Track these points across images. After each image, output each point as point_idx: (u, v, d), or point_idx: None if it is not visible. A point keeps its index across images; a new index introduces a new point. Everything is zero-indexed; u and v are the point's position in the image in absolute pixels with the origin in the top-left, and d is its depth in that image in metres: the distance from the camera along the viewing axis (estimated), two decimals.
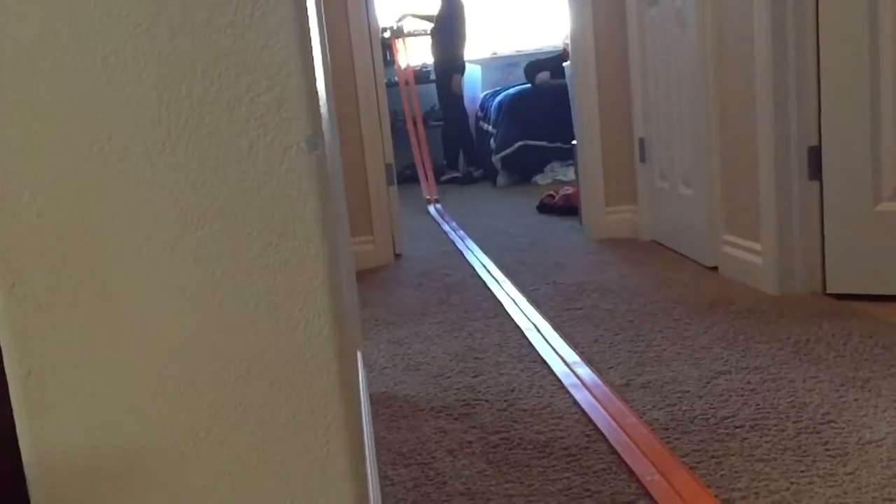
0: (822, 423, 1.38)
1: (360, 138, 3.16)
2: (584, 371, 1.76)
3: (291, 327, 0.82)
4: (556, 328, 2.11)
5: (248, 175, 0.79)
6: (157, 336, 0.80)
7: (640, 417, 1.48)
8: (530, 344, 2.00)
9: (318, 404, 0.84)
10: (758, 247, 2.30)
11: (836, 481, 1.18)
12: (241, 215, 0.80)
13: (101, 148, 0.77)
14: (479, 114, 6.60)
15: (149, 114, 0.77)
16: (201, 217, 0.79)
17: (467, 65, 6.54)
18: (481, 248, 3.40)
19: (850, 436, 1.33)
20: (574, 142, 3.60)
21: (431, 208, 4.89)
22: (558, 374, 1.76)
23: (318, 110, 0.80)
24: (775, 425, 1.39)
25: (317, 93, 0.79)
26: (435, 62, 6.48)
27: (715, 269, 2.59)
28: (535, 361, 1.87)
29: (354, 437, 0.86)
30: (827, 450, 1.29)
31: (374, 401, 1.69)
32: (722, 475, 1.24)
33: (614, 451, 1.35)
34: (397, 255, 3.37)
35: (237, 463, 0.83)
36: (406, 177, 5.85)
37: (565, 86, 4.13)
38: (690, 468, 1.27)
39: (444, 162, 6.59)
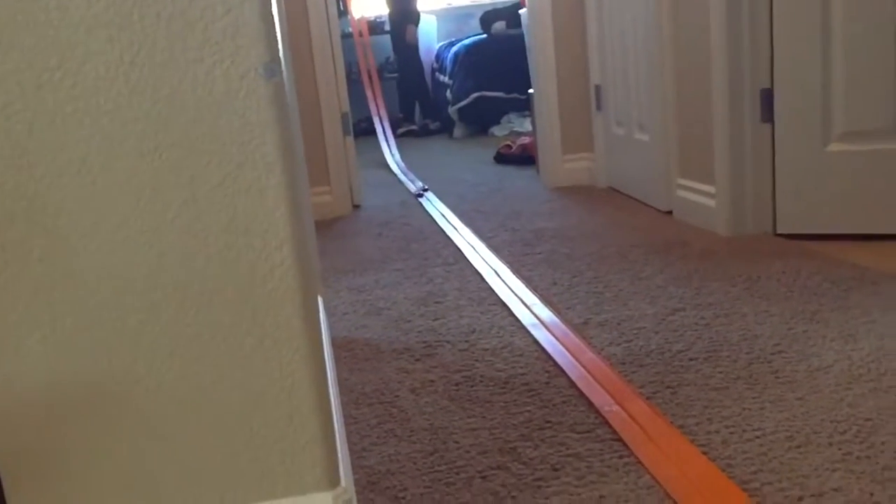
0: (772, 354, 1.43)
1: (315, 88, 3.11)
2: (544, 312, 1.78)
3: (253, 258, 0.82)
4: (516, 272, 2.13)
5: (204, 103, 0.78)
6: (116, 269, 0.79)
7: (599, 353, 1.51)
8: (490, 288, 2.02)
9: (281, 335, 0.84)
10: (711, 190, 2.34)
11: (785, 406, 1.23)
12: (199, 144, 0.79)
13: (52, 76, 0.75)
14: (435, 65, 6.55)
15: (99, 39, 0.75)
16: (157, 146, 0.78)
17: (422, 15, 6.46)
18: (440, 197, 3.40)
19: (800, 364, 1.37)
20: (531, 91, 3.59)
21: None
22: (518, 315, 1.79)
23: (275, 37, 0.79)
24: (728, 356, 1.44)
25: (272, 19, 0.78)
26: (389, 13, 6.39)
27: (670, 213, 2.63)
28: (494, 304, 1.89)
29: (319, 368, 0.87)
30: (777, 378, 1.33)
31: (336, 345, 1.70)
32: (677, 404, 1.28)
33: (573, 385, 1.38)
34: (355, 206, 3.36)
35: (201, 395, 0.84)
36: (362, 130, 5.79)
37: (521, 35, 4.10)
38: (647, 398, 1.30)
39: (401, 114, 6.54)
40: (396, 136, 5.78)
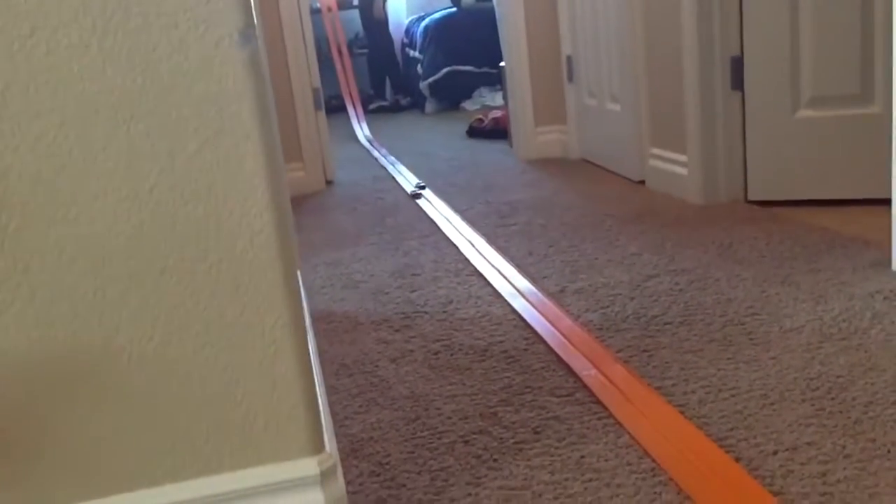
0: (746, 316, 1.45)
1: (286, 63, 3.08)
2: (520, 281, 1.80)
3: (233, 226, 0.82)
4: (491, 243, 2.14)
5: (180, 70, 0.77)
6: (94, 239, 0.79)
7: (576, 320, 1.53)
8: (466, 259, 2.03)
9: (262, 303, 0.84)
10: (683, 158, 2.36)
11: (759, 366, 1.25)
12: (175, 112, 0.78)
13: (24, 43, 0.74)
14: (405, 40, 6.50)
15: (72, 6, 0.74)
16: (133, 115, 0.77)
17: None
18: (413, 172, 3.39)
19: (773, 326, 1.40)
20: (502, 64, 3.58)
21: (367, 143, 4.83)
22: (495, 285, 1.80)
23: (249, 3, 0.78)
24: (702, 320, 1.46)
25: None
26: None
27: (642, 182, 2.65)
28: (471, 275, 1.90)
29: (300, 336, 0.87)
30: (751, 339, 1.36)
31: (315, 318, 1.70)
32: (654, 367, 1.30)
33: (552, 352, 1.40)
34: (328, 182, 3.34)
35: (184, 364, 0.84)
36: (333, 107, 5.74)
37: (492, 8, 4.08)
38: (624, 362, 1.32)
39: (371, 90, 6.49)
40: (367, 113, 5.75)
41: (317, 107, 3.19)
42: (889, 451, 0.98)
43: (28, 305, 0.78)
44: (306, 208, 2.91)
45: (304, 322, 0.89)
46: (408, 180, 3.21)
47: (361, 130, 4.96)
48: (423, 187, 2.97)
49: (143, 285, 0.81)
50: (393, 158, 3.84)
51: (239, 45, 0.78)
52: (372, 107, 6.22)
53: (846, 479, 0.93)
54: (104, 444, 0.83)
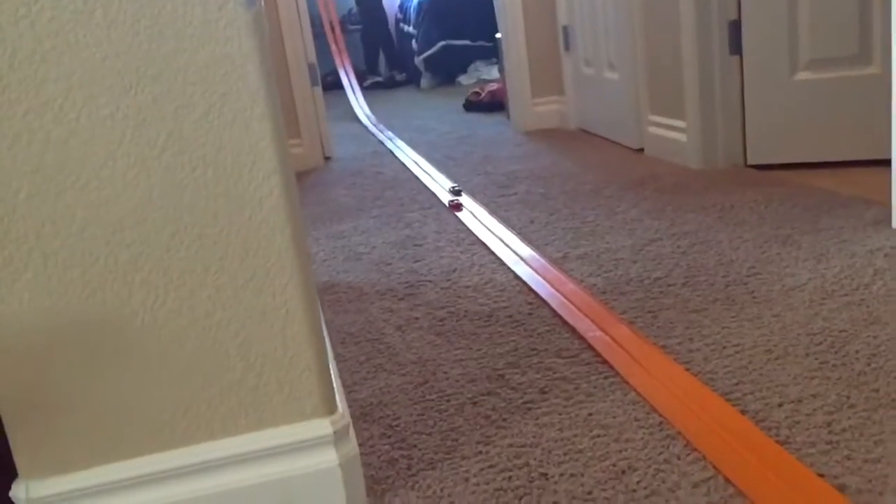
0: (748, 276, 1.46)
1: (281, 39, 3.07)
2: (523, 248, 1.81)
3: (242, 190, 0.82)
4: (492, 213, 2.14)
5: (185, 34, 0.78)
6: (105, 205, 0.79)
7: (579, 284, 1.54)
8: (468, 229, 2.04)
9: (273, 266, 0.85)
10: (682, 124, 2.36)
11: (763, 323, 1.27)
12: (182, 76, 0.79)
13: (29, 9, 0.74)
14: (399, 15, 6.46)
15: None
16: (140, 80, 0.78)
17: None
18: (411, 146, 3.39)
19: (775, 284, 1.41)
20: (498, 36, 3.57)
21: (362, 114, 4.82)
22: (497, 253, 1.81)
23: None
24: (705, 281, 1.47)
25: None
26: None
27: (641, 150, 2.66)
28: (473, 244, 1.91)
29: (311, 298, 0.88)
30: (754, 298, 1.37)
31: (319, 289, 1.71)
32: (658, 327, 1.31)
33: (557, 315, 1.41)
34: (327, 158, 3.34)
35: (196, 328, 0.84)
36: (328, 84, 5.72)
37: None
38: (629, 323, 1.33)
39: (365, 66, 6.46)
40: (363, 89, 5.72)
41: (313, 83, 3.18)
42: (893, 400, 0.99)
43: (41, 272, 0.79)
44: (306, 184, 2.91)
45: (313, 284, 0.89)
46: (406, 154, 3.21)
47: (360, 106, 4.95)
48: (459, 192, 2.38)
49: (154, 250, 0.81)
50: (391, 134, 3.83)
51: (243, 8, 0.78)
52: (367, 83, 6.19)
53: (851, 428, 0.95)
54: (120, 409, 0.84)
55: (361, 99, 5.17)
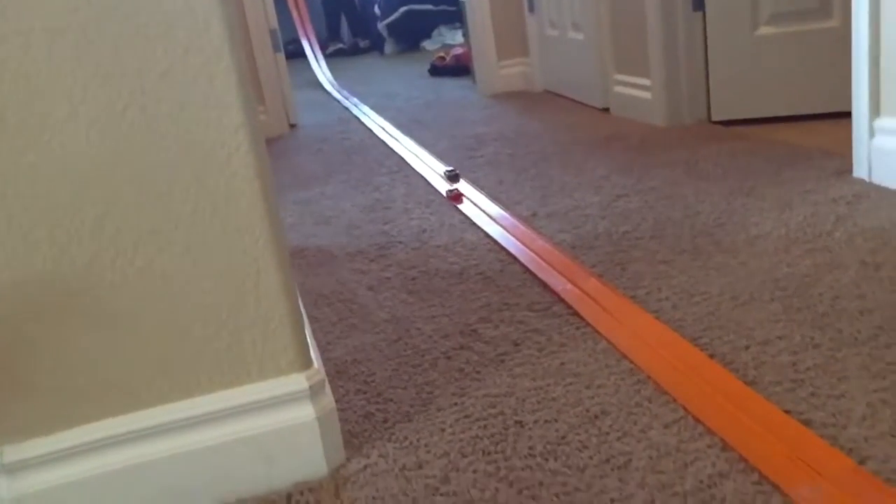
0: (714, 227, 1.49)
1: (241, 4, 3.02)
2: (492, 208, 1.81)
3: (209, 145, 0.81)
4: (461, 175, 2.14)
5: None
6: (69, 163, 0.78)
7: (549, 240, 1.55)
8: (437, 191, 2.04)
9: (244, 222, 0.85)
10: (646, 82, 2.37)
11: (729, 271, 1.29)
12: (144, 31, 0.77)
13: None
14: None
15: None
16: (100, 35, 0.76)
17: None
18: (377, 112, 3.37)
19: (740, 234, 1.43)
20: None
21: (326, 81, 4.76)
22: (467, 213, 1.81)
23: None
24: (672, 233, 1.49)
25: None
26: None
27: (607, 110, 2.67)
28: (443, 205, 1.91)
29: (282, 254, 0.88)
30: (720, 247, 1.39)
31: (289, 254, 1.70)
32: (628, 278, 1.33)
33: (528, 271, 1.42)
34: (292, 126, 3.31)
35: (168, 285, 0.84)
36: (290, 52, 5.64)
37: None
38: (599, 276, 1.35)
39: (327, 34, 6.38)
40: (326, 57, 5.65)
41: (275, 49, 3.13)
42: (856, 339, 1.02)
43: (6, 233, 0.78)
44: (272, 152, 2.88)
45: (284, 240, 0.89)
46: (373, 120, 3.19)
47: (322, 73, 4.89)
48: (456, 176, 2.02)
49: (121, 208, 0.80)
50: (356, 100, 3.80)
51: None
52: (330, 50, 6.12)
53: (815, 367, 0.97)
54: (94, 369, 0.84)
55: (325, 66, 5.12)
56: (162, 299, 0.84)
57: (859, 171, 1.61)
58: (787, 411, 0.89)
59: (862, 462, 0.79)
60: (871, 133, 1.57)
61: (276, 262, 0.86)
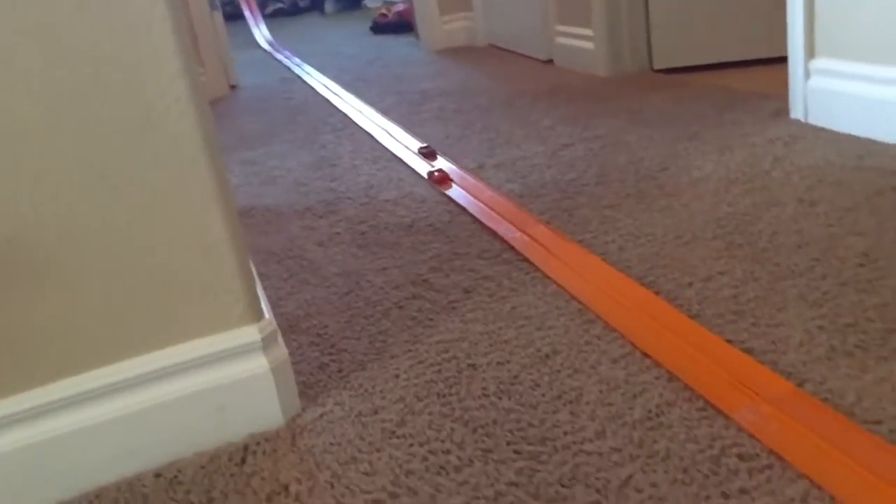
0: (658, 171, 1.51)
1: None
2: (440, 161, 1.81)
3: (148, 97, 0.80)
4: (407, 130, 2.13)
5: None
6: (5, 117, 0.76)
7: (497, 190, 1.56)
8: (383, 147, 2.03)
9: (187, 174, 0.83)
10: (588, 33, 2.38)
11: (672, 213, 1.32)
12: None
13: None
14: None
15: None
16: None
17: None
18: (320, 71, 3.32)
19: (682, 177, 1.46)
20: None
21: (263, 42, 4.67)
22: (415, 168, 1.81)
23: None
24: (617, 179, 1.51)
25: None
26: None
27: (551, 61, 2.67)
28: (390, 161, 1.91)
29: (229, 205, 0.87)
30: (663, 191, 1.42)
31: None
32: (575, 224, 1.35)
33: (476, 221, 1.43)
34: (232, 87, 3.24)
35: (114, 241, 0.83)
36: (227, 14, 5.50)
37: None
38: (546, 223, 1.37)
39: None
40: (265, 17, 5.53)
41: (212, 7, 3.06)
42: (793, 272, 1.06)
43: None
44: (213, 113, 2.82)
45: (230, 193, 0.88)
46: (316, 79, 3.14)
47: (261, 33, 4.79)
48: (433, 154, 1.84)
49: (59, 162, 0.79)
50: (298, 60, 3.74)
51: None
52: (269, 10, 5.99)
53: (756, 299, 1.01)
54: (44, 330, 0.82)
55: (264, 27, 5.01)
56: (109, 255, 0.83)
57: (796, 112, 1.65)
58: (729, 341, 0.92)
59: (800, 385, 0.83)
60: (807, 75, 1.60)
61: (223, 215, 0.86)
